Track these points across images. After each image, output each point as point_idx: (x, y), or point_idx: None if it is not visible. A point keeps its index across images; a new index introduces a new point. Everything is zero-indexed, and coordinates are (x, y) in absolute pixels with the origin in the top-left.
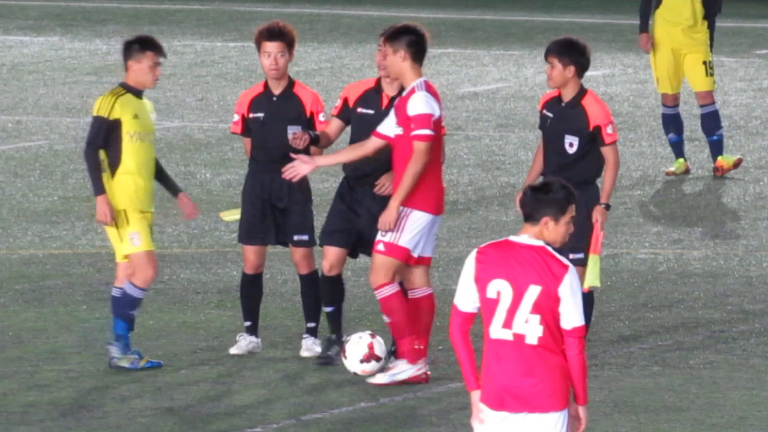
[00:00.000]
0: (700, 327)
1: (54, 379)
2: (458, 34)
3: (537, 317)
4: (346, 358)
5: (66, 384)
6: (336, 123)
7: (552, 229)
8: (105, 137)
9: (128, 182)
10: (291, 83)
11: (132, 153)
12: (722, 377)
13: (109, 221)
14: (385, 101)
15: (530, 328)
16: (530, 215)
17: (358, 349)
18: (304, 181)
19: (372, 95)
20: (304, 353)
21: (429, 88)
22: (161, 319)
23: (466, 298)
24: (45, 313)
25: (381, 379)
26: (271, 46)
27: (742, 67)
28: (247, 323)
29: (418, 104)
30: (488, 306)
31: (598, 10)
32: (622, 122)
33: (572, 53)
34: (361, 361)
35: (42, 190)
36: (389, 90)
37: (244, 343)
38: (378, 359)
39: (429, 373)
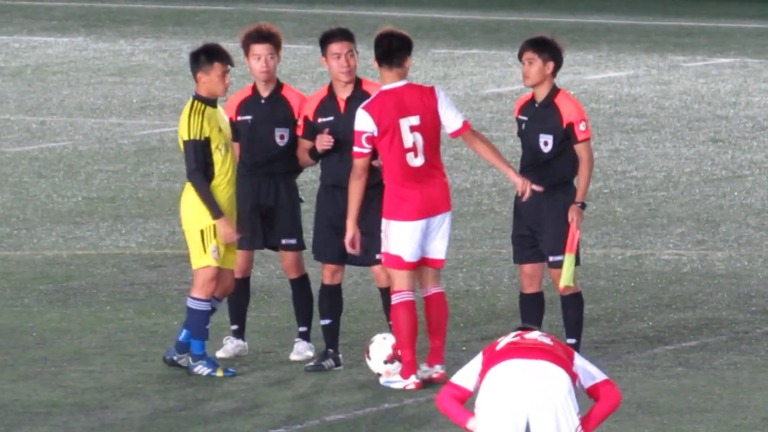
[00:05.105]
0: (723, 328)
1: (78, 380)
2: (482, 35)
3: (549, 339)
4: (369, 358)
5: (90, 384)
6: (306, 144)
7: None
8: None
9: (220, 195)
10: (279, 85)
11: (221, 165)
12: (746, 378)
13: (235, 241)
14: (341, 105)
15: (543, 340)
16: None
17: (381, 349)
18: (291, 184)
19: (328, 103)
20: (294, 356)
21: (373, 102)
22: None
23: (467, 375)
24: (69, 313)
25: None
26: (261, 49)
27: (766, 68)
28: (234, 327)
29: (356, 121)
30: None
31: (622, 11)
32: (645, 123)
33: (551, 50)
34: (385, 362)
35: (66, 190)
36: (342, 93)
37: (230, 346)
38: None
39: (419, 382)
